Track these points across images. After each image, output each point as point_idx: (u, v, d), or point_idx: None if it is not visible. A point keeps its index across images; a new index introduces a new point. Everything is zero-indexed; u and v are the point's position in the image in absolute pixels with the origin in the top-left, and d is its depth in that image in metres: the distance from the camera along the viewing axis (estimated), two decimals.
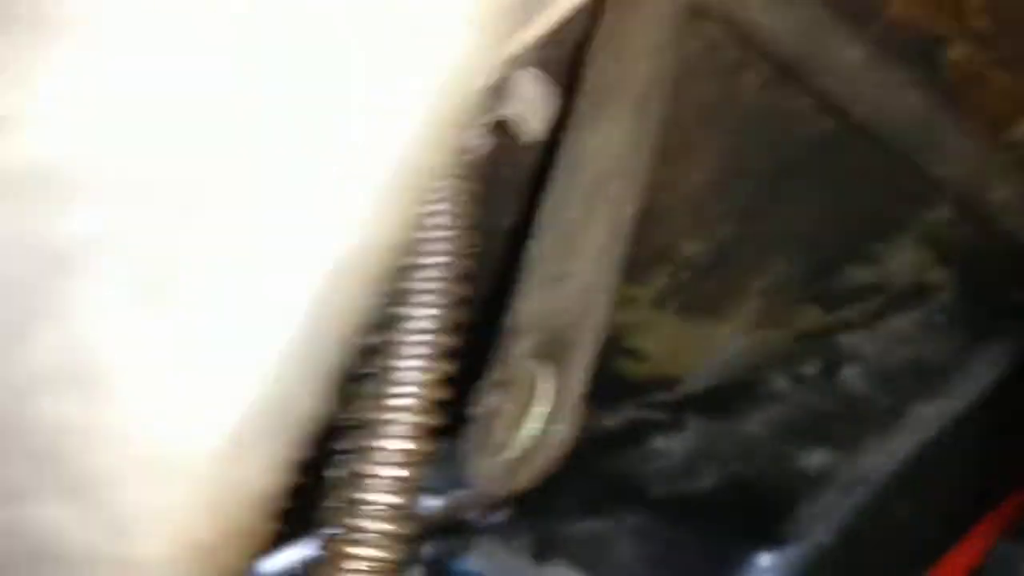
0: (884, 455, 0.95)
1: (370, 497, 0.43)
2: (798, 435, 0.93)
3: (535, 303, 0.58)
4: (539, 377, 0.54)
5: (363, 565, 0.42)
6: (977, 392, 0.91)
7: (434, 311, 0.41)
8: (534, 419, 0.53)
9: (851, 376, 0.89)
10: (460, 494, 0.55)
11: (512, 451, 0.52)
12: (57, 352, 0.23)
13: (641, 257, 0.83)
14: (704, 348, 0.84)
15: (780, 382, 0.89)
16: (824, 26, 0.69)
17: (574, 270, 0.57)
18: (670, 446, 0.95)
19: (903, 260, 0.82)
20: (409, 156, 0.25)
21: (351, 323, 0.26)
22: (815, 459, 0.95)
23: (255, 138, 0.24)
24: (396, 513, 0.43)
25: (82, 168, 0.22)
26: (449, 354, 0.43)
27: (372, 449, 0.43)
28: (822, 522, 1.01)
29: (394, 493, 0.43)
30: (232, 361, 0.25)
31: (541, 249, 0.60)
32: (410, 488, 0.44)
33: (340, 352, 0.27)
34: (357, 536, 0.42)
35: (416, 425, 0.43)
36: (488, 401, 0.55)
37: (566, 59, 0.70)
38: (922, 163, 0.74)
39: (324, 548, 0.46)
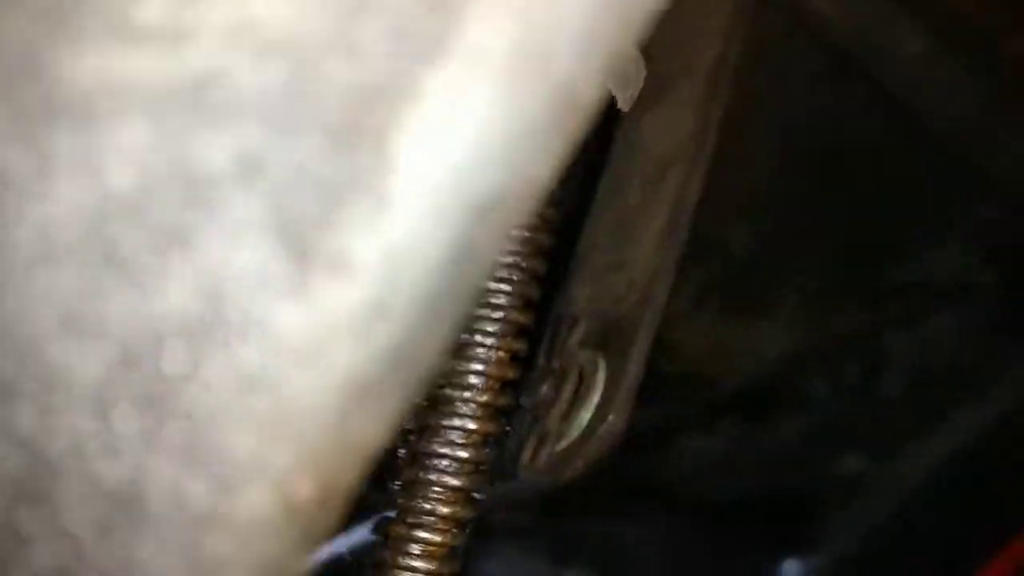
0: (919, 463, 0.93)
1: (433, 478, 0.41)
2: (832, 440, 0.91)
3: (590, 291, 0.56)
4: (593, 367, 0.51)
5: (422, 549, 0.40)
6: (1017, 399, 0.89)
7: (507, 287, 0.39)
8: (586, 409, 0.51)
9: (889, 380, 0.87)
10: (501, 487, 0.52)
11: (563, 442, 0.50)
12: (190, 292, 0.21)
13: (684, 249, 0.82)
14: (742, 348, 0.83)
15: (817, 386, 0.87)
16: (885, 17, 0.68)
17: (631, 258, 0.54)
18: (700, 448, 0.93)
19: (948, 259, 0.81)
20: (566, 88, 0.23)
21: (483, 269, 0.25)
22: (848, 465, 0.93)
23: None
24: (458, 496, 0.41)
25: (238, 85, 0.20)
26: (520, 332, 0.40)
27: (437, 428, 0.41)
28: (852, 531, 0.99)
29: (457, 475, 0.41)
30: (357, 308, 0.23)
31: (597, 236, 0.58)
32: (474, 470, 0.42)
33: (468, 301, 0.25)
34: (418, 519, 0.40)
35: (483, 405, 0.41)
36: (540, 390, 0.53)
37: None
38: (975, 158, 0.72)
39: (378, 531, 0.44)
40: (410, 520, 0.39)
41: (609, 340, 0.51)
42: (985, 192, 0.77)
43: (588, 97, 0.23)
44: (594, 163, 0.70)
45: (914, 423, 0.91)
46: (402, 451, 0.39)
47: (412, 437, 0.40)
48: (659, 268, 0.53)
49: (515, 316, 0.40)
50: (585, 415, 0.49)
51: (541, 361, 0.55)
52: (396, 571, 0.36)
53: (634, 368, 0.50)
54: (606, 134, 0.67)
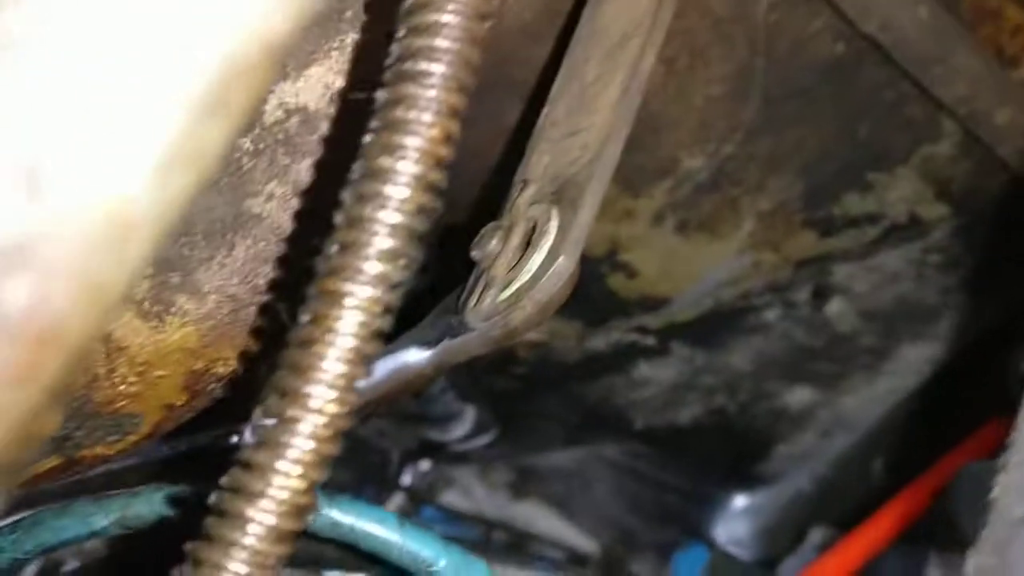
0: (867, 398, 0.95)
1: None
2: (783, 371, 0.93)
3: (545, 158, 0.57)
4: (546, 216, 0.52)
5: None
6: (965, 339, 0.91)
7: (445, 68, 0.37)
8: (538, 253, 0.50)
9: (840, 311, 0.89)
10: (455, 341, 0.53)
11: (511, 287, 0.50)
12: None
13: (643, 169, 0.84)
14: (698, 267, 0.84)
15: (769, 313, 0.89)
16: None
17: (587, 125, 0.55)
18: (655, 374, 0.95)
19: (902, 192, 0.82)
20: None
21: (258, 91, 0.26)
22: (797, 397, 0.95)
23: None
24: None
25: None
26: (456, 114, 0.39)
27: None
28: (799, 465, 1.01)
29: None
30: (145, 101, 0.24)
31: (553, 114, 0.59)
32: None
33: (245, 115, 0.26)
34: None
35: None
36: (488, 243, 0.54)
37: None
38: (929, 83, 0.74)
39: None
40: (344, 276, 0.37)
41: (562, 195, 0.53)
42: (938, 127, 0.79)
43: None
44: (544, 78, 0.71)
45: (863, 358, 0.93)
46: (339, 217, 0.38)
47: (348, 204, 0.38)
48: (613, 129, 0.53)
49: (452, 97, 0.38)
50: (537, 259, 0.50)
51: (497, 221, 0.56)
52: (329, 321, 0.35)
53: (585, 215, 0.50)
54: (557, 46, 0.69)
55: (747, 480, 1.03)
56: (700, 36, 0.76)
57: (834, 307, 0.89)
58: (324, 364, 0.35)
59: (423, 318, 0.58)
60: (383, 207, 0.36)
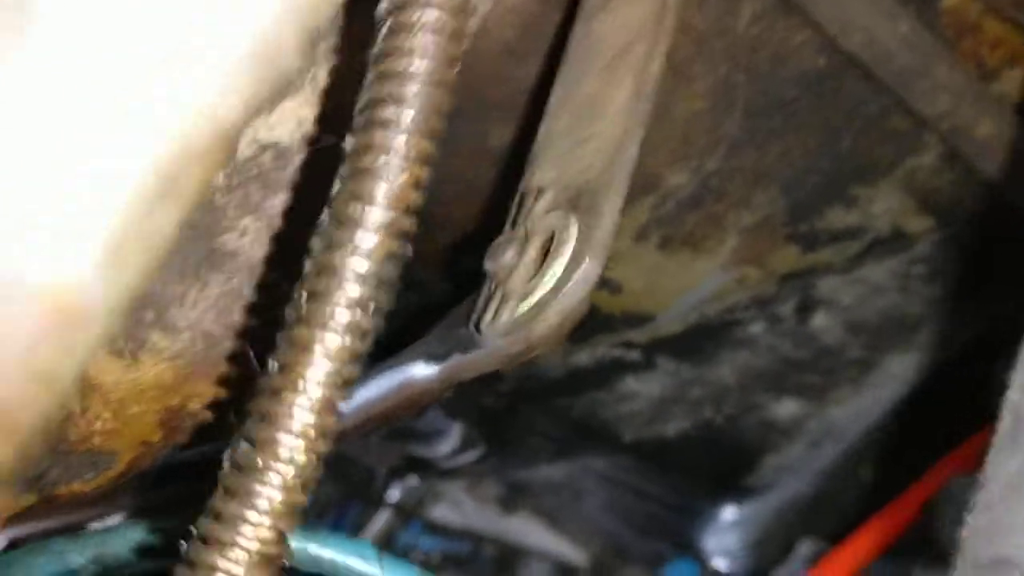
0: (854, 410, 0.95)
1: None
2: (769, 383, 0.93)
3: (555, 166, 0.54)
4: (564, 223, 0.49)
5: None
6: (951, 347, 0.91)
7: (415, 113, 0.37)
8: (559, 262, 0.48)
9: (825, 324, 0.89)
10: (467, 356, 0.51)
11: (531, 299, 0.48)
12: None
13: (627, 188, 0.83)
14: (682, 283, 0.84)
15: (754, 326, 0.89)
16: None
17: (597, 131, 0.53)
18: (641, 388, 0.94)
19: (886, 205, 0.82)
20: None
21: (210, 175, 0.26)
22: (784, 409, 0.95)
23: None
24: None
25: None
26: (426, 160, 0.39)
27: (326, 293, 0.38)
28: (788, 476, 1.01)
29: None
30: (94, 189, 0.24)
31: (556, 127, 0.57)
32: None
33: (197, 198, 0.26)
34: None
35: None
36: (503, 256, 0.51)
37: None
38: (911, 98, 0.74)
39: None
40: (314, 324, 0.37)
41: (579, 201, 0.50)
42: (920, 139, 0.79)
43: None
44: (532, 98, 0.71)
45: (849, 370, 0.93)
46: (308, 265, 0.38)
47: (317, 252, 0.38)
48: (627, 132, 0.51)
49: (421, 142, 0.38)
50: (558, 267, 0.48)
51: (507, 230, 0.54)
52: (299, 369, 0.35)
53: (608, 220, 0.48)
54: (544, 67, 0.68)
55: (736, 492, 1.03)
56: (680, 51, 0.75)
57: (819, 320, 0.89)
58: (294, 414, 0.35)
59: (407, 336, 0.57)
60: (352, 255, 0.36)
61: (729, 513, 1.04)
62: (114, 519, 0.52)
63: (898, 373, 0.93)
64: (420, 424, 1.05)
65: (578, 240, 0.48)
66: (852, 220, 0.83)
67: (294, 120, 0.48)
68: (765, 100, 0.77)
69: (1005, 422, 0.35)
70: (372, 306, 0.37)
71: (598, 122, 0.53)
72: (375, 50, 0.36)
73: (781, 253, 0.83)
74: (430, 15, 0.35)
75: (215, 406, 0.48)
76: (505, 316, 0.48)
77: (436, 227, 0.85)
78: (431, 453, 1.07)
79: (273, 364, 0.36)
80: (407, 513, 1.21)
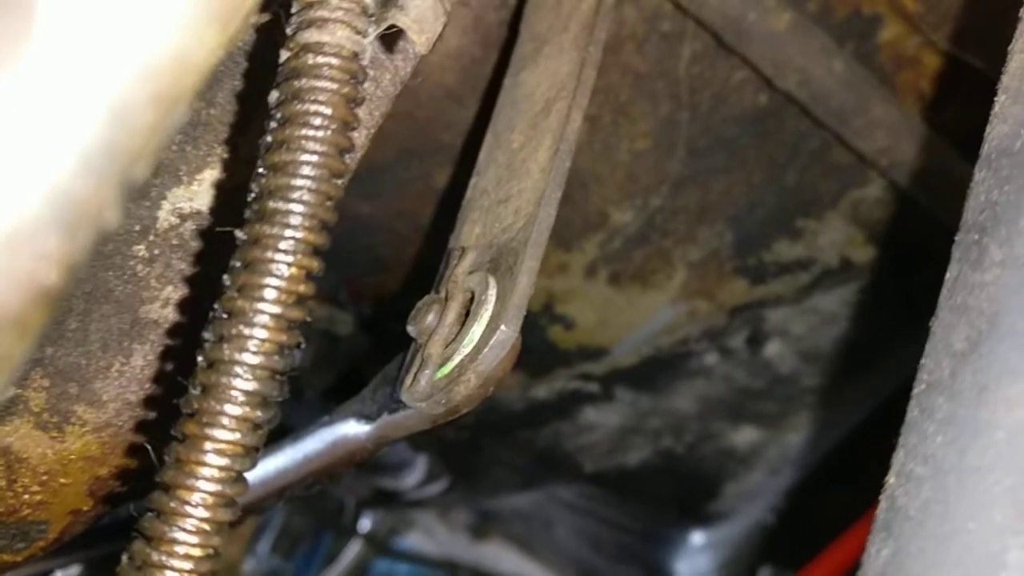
0: (812, 436, 0.96)
1: (226, 381, 0.38)
2: (727, 412, 0.94)
3: (480, 223, 0.55)
4: (483, 285, 0.50)
5: (215, 446, 0.38)
6: (904, 373, 0.92)
7: (302, 207, 0.38)
8: (478, 324, 0.48)
9: (779, 353, 0.90)
10: (394, 417, 0.52)
11: (450, 363, 0.48)
12: None
13: (573, 224, 0.84)
14: (633, 317, 0.85)
15: (708, 357, 0.90)
16: None
17: (518, 190, 0.55)
18: (601, 419, 0.95)
19: (832, 237, 0.83)
20: None
21: (149, 140, 0.26)
22: (742, 437, 0.96)
23: None
24: (250, 398, 0.38)
25: None
26: (314, 252, 0.40)
27: (233, 336, 0.39)
28: (749, 502, 1.02)
29: (249, 379, 0.38)
30: (24, 153, 0.25)
31: (482, 183, 0.58)
32: (267, 376, 0.39)
33: (136, 166, 0.26)
34: (212, 419, 0.38)
35: (276, 316, 0.39)
36: (424, 318, 0.52)
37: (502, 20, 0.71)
38: (848, 135, 0.75)
39: (175, 431, 0.42)
40: (205, 420, 0.38)
41: (499, 262, 0.51)
42: (863, 172, 0.80)
43: None
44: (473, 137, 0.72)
45: (804, 397, 0.93)
46: (200, 358, 0.39)
47: (208, 345, 0.39)
48: (545, 192, 0.52)
49: (309, 236, 0.38)
50: (477, 330, 0.48)
51: (432, 293, 0.54)
52: (191, 466, 0.36)
53: (524, 282, 0.49)
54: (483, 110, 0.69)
55: (702, 518, 1.04)
56: (623, 93, 0.77)
57: (773, 349, 0.89)
58: (186, 510, 0.35)
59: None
60: (242, 349, 0.36)
61: (698, 538, 1.05)
62: None
63: (854, 399, 0.94)
64: (387, 456, 1.06)
65: (496, 304, 0.48)
66: (799, 252, 0.84)
67: (214, 189, 0.49)
68: (708, 138, 0.78)
69: (881, 508, 0.35)
70: (265, 399, 0.37)
71: (520, 180, 0.54)
72: (265, 141, 0.37)
73: (730, 286, 0.84)
74: (319, 108, 0.36)
75: (143, 473, 0.48)
76: (423, 381, 0.49)
77: (388, 267, 0.86)
78: (398, 485, 1.08)
79: (167, 458, 0.37)
80: (378, 542, 1.22)
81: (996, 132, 0.35)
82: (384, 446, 0.54)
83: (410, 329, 0.52)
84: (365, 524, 1.19)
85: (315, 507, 1.17)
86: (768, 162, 0.80)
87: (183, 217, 0.49)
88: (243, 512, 0.59)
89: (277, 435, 0.70)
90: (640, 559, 1.10)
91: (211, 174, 0.49)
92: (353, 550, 1.17)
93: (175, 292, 0.48)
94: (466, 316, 0.50)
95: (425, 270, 0.81)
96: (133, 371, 0.48)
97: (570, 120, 0.53)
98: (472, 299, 0.50)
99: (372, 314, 0.86)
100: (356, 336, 0.89)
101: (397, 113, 0.66)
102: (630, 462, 0.99)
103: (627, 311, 0.85)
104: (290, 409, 1.02)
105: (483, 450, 1.02)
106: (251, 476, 0.59)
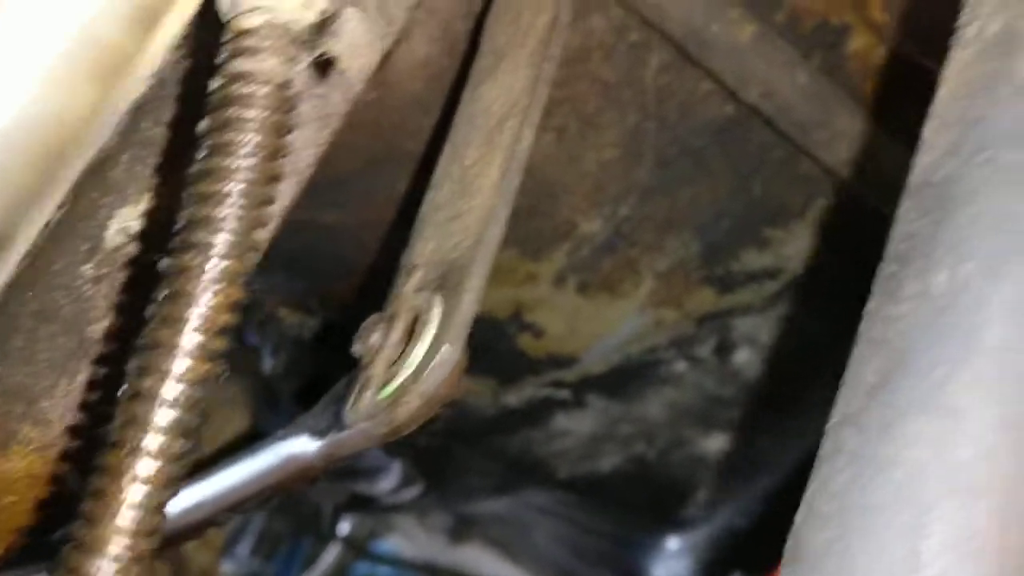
0: (782, 442, 0.96)
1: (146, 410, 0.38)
2: (697, 418, 0.94)
3: (431, 240, 0.56)
4: (428, 304, 0.50)
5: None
6: None
7: (225, 236, 0.38)
8: (421, 344, 0.48)
9: (747, 360, 0.90)
10: (341, 435, 0.52)
11: (393, 383, 0.48)
12: None
13: (541, 233, 0.84)
14: (602, 326, 0.85)
15: (677, 365, 0.90)
16: (714, 7, 0.70)
17: (468, 208, 0.55)
18: (572, 425, 0.96)
19: (799, 246, 0.84)
20: None
21: None
22: (713, 443, 0.96)
23: None
24: (175, 427, 0.38)
25: None
26: (235, 279, 0.40)
27: (154, 367, 0.39)
28: (722, 508, 1.03)
29: (174, 407, 0.38)
30: None
31: (437, 198, 0.58)
32: (190, 404, 0.39)
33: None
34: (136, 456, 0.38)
35: (198, 346, 0.39)
36: (370, 337, 0.52)
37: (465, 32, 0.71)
38: (812, 147, 0.75)
39: None
40: (124, 451, 0.37)
41: (445, 281, 0.51)
42: (828, 181, 0.80)
43: None
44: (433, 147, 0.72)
45: (775, 401, 0.94)
46: (123, 388, 0.39)
47: (131, 376, 0.39)
48: (493, 211, 0.52)
49: (232, 265, 0.38)
50: (420, 350, 0.48)
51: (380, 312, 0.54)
52: (109, 497, 0.36)
53: (468, 301, 0.49)
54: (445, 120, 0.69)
55: (675, 522, 1.04)
56: (589, 103, 0.77)
57: (741, 357, 0.90)
58: (107, 542, 0.36)
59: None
60: (163, 380, 0.37)
61: (674, 542, 1.06)
62: None
63: (824, 403, 0.94)
64: (362, 461, 1.06)
65: (440, 323, 0.48)
66: (767, 261, 0.84)
67: (161, 211, 0.49)
68: (675, 148, 0.78)
69: (788, 547, 0.35)
70: (184, 430, 0.37)
71: (472, 198, 0.54)
72: (193, 170, 0.37)
73: (698, 295, 0.84)
74: (245, 137, 0.36)
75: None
76: (366, 400, 0.49)
77: (356, 274, 0.86)
78: (373, 490, 1.08)
79: (87, 488, 0.37)
80: (358, 546, 1.22)
81: (920, 162, 0.36)
82: (334, 464, 0.55)
83: (355, 348, 0.52)
84: (344, 528, 1.19)
85: (293, 511, 1.17)
86: (734, 172, 0.80)
87: (130, 237, 0.49)
88: (202, 526, 0.59)
89: (249, 440, 0.70)
90: (617, 563, 1.11)
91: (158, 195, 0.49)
92: (332, 553, 1.18)
93: (121, 313, 0.48)
94: (411, 336, 0.50)
95: (393, 277, 0.81)
96: (78, 390, 0.48)
97: (521, 138, 0.53)
98: (417, 318, 0.50)
99: (341, 320, 0.86)
100: (326, 342, 0.89)
101: (364, 122, 0.67)
102: (603, 468, 0.99)
103: (596, 319, 0.85)
104: (265, 416, 1.02)
105: (455, 456, 1.02)
106: (206, 491, 0.59)
